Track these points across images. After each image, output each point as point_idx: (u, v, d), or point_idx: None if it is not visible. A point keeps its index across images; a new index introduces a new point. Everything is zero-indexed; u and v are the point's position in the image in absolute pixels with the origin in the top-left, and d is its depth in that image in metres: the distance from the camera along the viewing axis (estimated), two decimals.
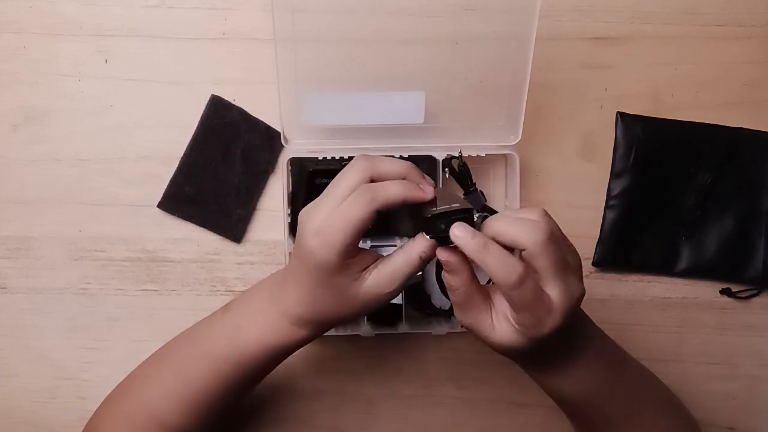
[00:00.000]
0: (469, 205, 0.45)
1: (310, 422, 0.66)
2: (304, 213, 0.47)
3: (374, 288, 0.47)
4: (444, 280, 0.47)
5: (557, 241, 0.44)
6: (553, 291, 0.43)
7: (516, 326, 0.45)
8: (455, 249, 0.45)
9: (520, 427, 0.67)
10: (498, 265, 0.42)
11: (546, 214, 0.45)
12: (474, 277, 0.46)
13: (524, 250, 0.43)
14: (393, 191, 0.45)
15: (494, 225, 0.44)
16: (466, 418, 0.67)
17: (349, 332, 0.64)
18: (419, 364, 0.66)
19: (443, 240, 0.45)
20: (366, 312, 0.49)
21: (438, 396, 0.67)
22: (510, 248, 0.44)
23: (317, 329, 0.51)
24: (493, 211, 0.63)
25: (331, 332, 0.63)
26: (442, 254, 0.46)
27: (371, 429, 0.66)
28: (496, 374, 0.66)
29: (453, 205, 0.45)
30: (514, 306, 0.44)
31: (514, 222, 0.44)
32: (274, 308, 0.50)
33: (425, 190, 0.46)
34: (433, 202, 0.47)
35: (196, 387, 0.52)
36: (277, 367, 0.60)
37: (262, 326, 0.51)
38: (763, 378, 0.68)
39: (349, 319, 0.50)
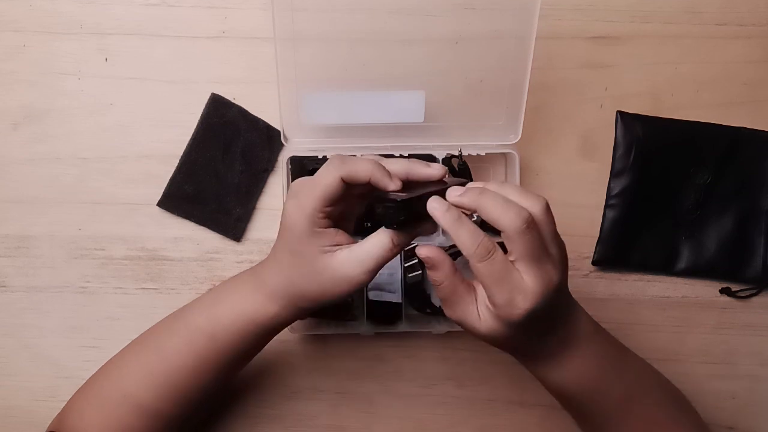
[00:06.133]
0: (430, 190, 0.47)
1: (310, 421, 0.66)
2: (292, 185, 0.50)
3: (343, 266, 0.48)
4: (428, 278, 0.48)
5: (535, 230, 0.45)
6: (528, 275, 0.45)
7: (491, 308, 0.46)
8: (433, 246, 0.47)
9: (518, 426, 0.67)
10: (469, 237, 0.44)
11: (545, 208, 0.46)
12: (456, 270, 0.48)
13: (503, 232, 0.44)
14: (361, 167, 0.47)
15: (481, 199, 0.45)
16: (465, 416, 0.67)
17: (348, 331, 0.64)
18: (419, 363, 0.66)
19: (401, 225, 0.47)
20: (338, 296, 0.49)
21: (437, 395, 0.67)
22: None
23: (289, 307, 0.51)
24: None
25: (331, 331, 0.63)
26: (422, 251, 0.48)
27: (371, 428, 0.66)
28: (496, 373, 0.66)
29: (415, 193, 0.47)
30: (486, 283, 0.45)
31: (500, 202, 0.45)
32: (252, 280, 0.52)
33: (393, 181, 0.47)
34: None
35: (171, 363, 0.53)
36: (276, 367, 0.60)
37: (237, 299, 0.52)
38: (763, 378, 0.68)
39: (321, 299, 0.50)
